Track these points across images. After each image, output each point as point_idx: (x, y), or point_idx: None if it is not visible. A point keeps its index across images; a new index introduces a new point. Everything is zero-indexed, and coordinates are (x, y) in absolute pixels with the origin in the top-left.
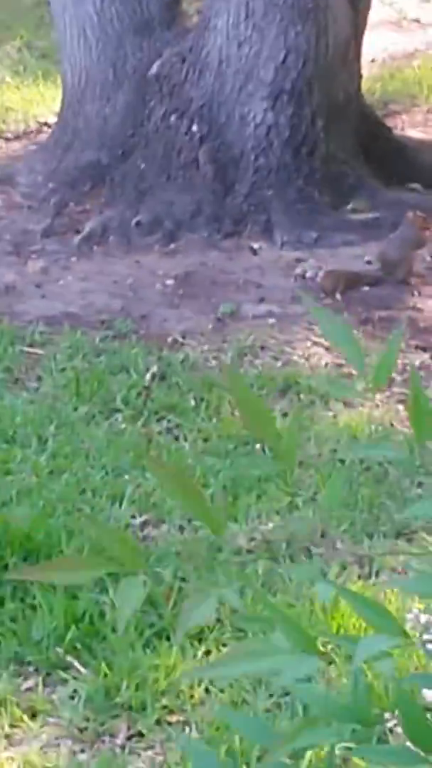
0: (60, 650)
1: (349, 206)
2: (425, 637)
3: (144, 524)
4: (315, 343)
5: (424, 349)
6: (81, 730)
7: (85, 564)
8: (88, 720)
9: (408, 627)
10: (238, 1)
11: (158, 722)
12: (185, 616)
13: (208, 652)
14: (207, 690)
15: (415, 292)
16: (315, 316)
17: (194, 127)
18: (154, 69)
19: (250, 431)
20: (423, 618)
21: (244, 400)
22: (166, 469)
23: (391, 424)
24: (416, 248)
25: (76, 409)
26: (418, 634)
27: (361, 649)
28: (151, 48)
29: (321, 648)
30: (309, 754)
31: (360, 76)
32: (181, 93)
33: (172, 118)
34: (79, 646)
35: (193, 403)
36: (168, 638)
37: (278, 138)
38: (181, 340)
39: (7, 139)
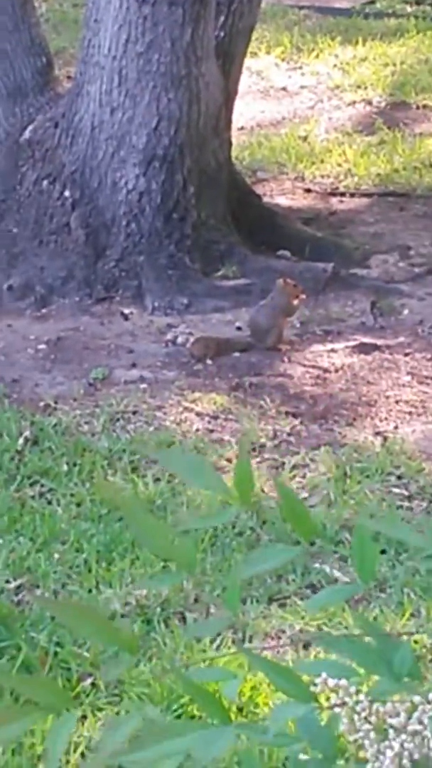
0: None
1: (220, 272)
2: (333, 701)
3: (18, 589)
4: (186, 409)
5: (294, 415)
6: None
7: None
8: None
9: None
10: (111, 67)
11: None
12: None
13: (83, 717)
14: (83, 755)
15: (285, 359)
16: (162, 464)
17: (66, 193)
18: (26, 134)
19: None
20: (331, 681)
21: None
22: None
23: (263, 490)
24: (287, 316)
25: None
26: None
27: (275, 717)
28: (24, 113)
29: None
30: None
31: (230, 144)
32: (53, 158)
33: (45, 183)
34: None
35: (66, 467)
36: None
37: (150, 204)
38: (53, 404)
39: None
